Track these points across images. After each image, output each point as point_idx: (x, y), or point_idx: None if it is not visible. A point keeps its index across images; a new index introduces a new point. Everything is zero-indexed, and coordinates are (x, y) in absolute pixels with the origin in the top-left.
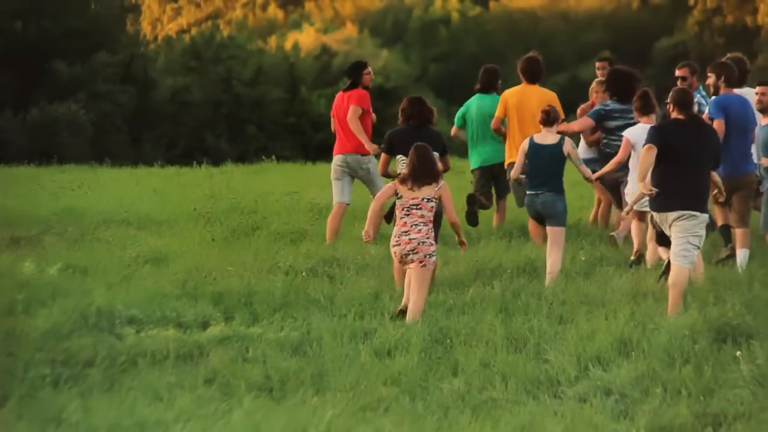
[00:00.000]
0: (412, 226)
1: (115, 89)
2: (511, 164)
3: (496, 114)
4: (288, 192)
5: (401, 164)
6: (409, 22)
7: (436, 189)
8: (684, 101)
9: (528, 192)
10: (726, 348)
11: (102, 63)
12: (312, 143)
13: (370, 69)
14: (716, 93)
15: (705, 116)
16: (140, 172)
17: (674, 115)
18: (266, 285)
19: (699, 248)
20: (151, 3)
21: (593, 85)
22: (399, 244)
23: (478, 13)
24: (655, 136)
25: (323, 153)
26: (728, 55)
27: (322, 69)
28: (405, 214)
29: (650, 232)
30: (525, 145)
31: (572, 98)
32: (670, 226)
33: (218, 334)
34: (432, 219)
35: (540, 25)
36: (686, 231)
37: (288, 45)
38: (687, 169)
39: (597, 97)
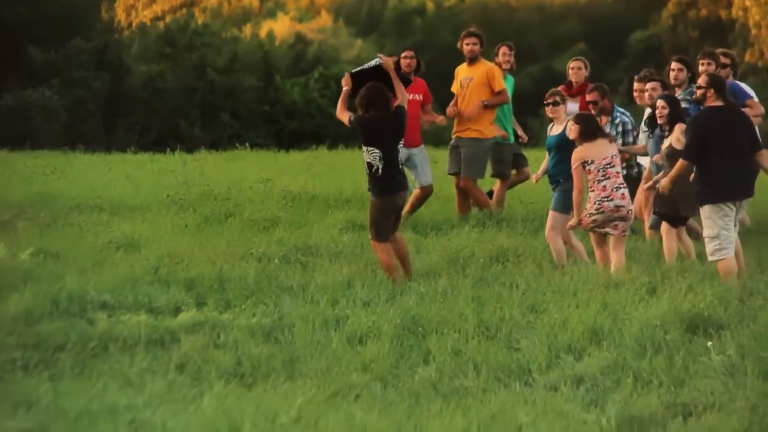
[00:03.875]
0: (613, 190)
1: (89, 75)
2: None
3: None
4: (261, 179)
5: (371, 156)
6: (384, 12)
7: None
8: (722, 86)
9: None
10: (697, 339)
11: (76, 49)
12: (285, 131)
13: (405, 53)
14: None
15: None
16: (113, 158)
17: (712, 101)
18: (239, 272)
19: None
20: None
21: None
22: (602, 212)
23: (453, 4)
24: (701, 127)
25: (296, 141)
26: (719, 50)
27: (297, 57)
28: (602, 177)
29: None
30: None
31: (546, 89)
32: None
33: (190, 320)
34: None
35: (514, 16)
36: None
37: (263, 33)
38: (742, 155)
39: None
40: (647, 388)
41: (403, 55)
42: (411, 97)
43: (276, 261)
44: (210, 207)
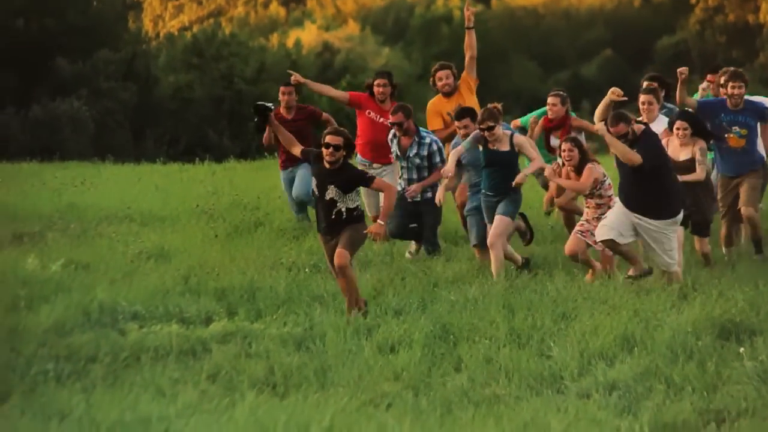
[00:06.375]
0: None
1: (117, 86)
2: None
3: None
4: None
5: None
6: (411, 20)
7: None
8: None
9: None
10: (729, 344)
11: (104, 60)
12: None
13: (378, 81)
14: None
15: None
16: (143, 168)
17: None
18: (269, 281)
19: None
20: (153, 0)
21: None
22: None
23: (480, 11)
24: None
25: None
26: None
27: (324, 66)
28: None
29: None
30: None
31: (573, 95)
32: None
33: (221, 330)
34: None
35: (541, 22)
36: None
37: (290, 42)
38: None
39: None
40: (680, 394)
41: (375, 83)
42: (381, 119)
43: (306, 270)
44: (239, 216)
